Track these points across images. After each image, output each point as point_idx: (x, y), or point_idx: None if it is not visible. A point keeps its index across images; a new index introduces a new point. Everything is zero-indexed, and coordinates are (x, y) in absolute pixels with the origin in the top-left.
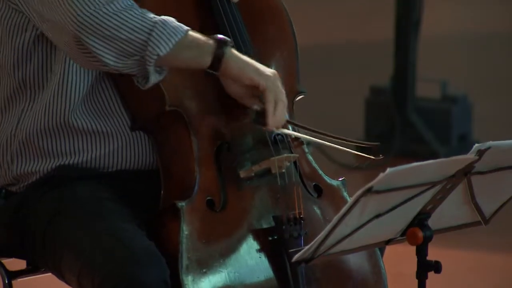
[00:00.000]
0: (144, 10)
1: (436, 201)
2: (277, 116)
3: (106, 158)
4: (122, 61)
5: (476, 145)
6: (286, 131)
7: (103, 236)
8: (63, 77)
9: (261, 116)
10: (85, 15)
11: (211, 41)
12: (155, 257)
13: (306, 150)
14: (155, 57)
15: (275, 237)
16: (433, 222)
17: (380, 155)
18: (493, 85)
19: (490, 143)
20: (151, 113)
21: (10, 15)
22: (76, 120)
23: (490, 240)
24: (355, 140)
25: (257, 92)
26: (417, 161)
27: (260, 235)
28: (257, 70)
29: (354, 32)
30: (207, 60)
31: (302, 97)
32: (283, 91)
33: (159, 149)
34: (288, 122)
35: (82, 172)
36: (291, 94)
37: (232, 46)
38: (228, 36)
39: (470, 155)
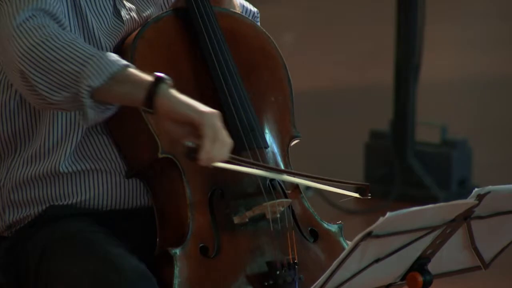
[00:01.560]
0: (87, 45)
1: (436, 246)
2: (212, 153)
3: (99, 199)
4: (59, 95)
5: (476, 189)
6: (225, 165)
7: (94, 262)
8: (52, 128)
9: (194, 151)
10: (27, 47)
11: (148, 78)
12: (145, 277)
13: (302, 195)
14: (88, 88)
15: (270, 283)
16: (433, 266)
17: (369, 195)
18: (493, 130)
19: (490, 187)
20: (145, 160)
21: None
22: (67, 167)
23: (488, 285)
24: (342, 180)
25: (196, 131)
26: (416, 205)
27: (254, 281)
28: (191, 106)
29: (354, 76)
30: (140, 97)
31: (302, 141)
32: (223, 131)
33: (153, 194)
34: (233, 158)
35: (73, 211)
36: (286, 138)
37: (170, 85)
38: (220, 83)
39: (470, 200)
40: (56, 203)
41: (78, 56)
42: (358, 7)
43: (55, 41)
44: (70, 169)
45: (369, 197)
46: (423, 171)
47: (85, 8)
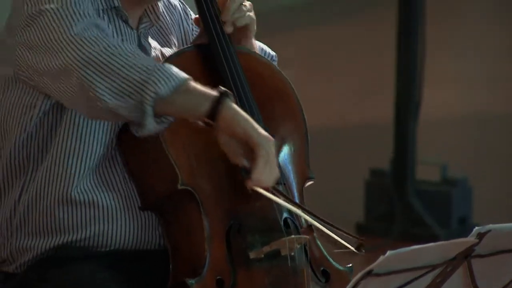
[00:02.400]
0: (148, 57)
1: (436, 284)
2: (263, 175)
3: (108, 235)
4: (121, 101)
5: (476, 228)
6: (269, 195)
7: None
8: (64, 151)
9: (246, 172)
10: (90, 53)
11: (212, 92)
12: None
13: (315, 234)
14: (154, 95)
15: None
16: None
17: (363, 251)
18: (493, 168)
19: (490, 226)
20: (162, 192)
21: (19, 96)
22: (79, 194)
23: None
24: (343, 229)
25: (251, 151)
26: (417, 243)
27: None
28: (253, 125)
29: (354, 113)
30: (205, 108)
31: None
32: (275, 158)
33: (168, 228)
34: (274, 189)
35: (81, 251)
36: (302, 179)
37: (233, 100)
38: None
39: (470, 238)
40: (64, 239)
41: (143, 65)
42: (358, 45)
43: (117, 49)
44: (82, 197)
45: (363, 253)
46: (424, 209)
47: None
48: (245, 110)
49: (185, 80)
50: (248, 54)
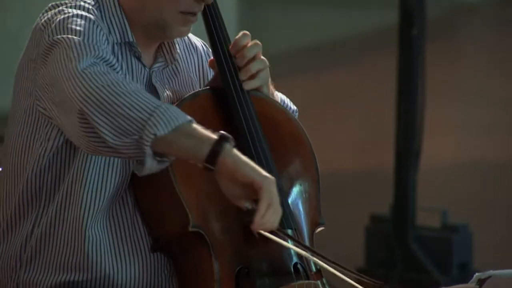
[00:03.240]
0: (152, 96)
1: None
2: (266, 218)
3: (117, 277)
4: (120, 139)
5: (477, 274)
6: (275, 238)
7: None
8: (81, 185)
9: (250, 215)
10: (92, 89)
11: (212, 135)
12: None
13: (325, 281)
14: (152, 136)
15: None
16: None
17: None
18: (493, 214)
19: (491, 272)
20: (173, 233)
21: (36, 127)
22: (90, 234)
23: None
24: (360, 274)
25: (252, 194)
26: None
27: None
28: (254, 169)
29: (354, 160)
30: (204, 152)
31: None
32: (278, 198)
33: (177, 270)
34: (280, 231)
35: None
36: (313, 225)
37: (234, 145)
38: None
39: (471, 284)
40: (71, 277)
41: (144, 105)
42: (358, 92)
43: (121, 87)
44: (92, 237)
45: None
46: (424, 255)
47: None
48: (258, 156)
49: (186, 122)
50: (263, 99)
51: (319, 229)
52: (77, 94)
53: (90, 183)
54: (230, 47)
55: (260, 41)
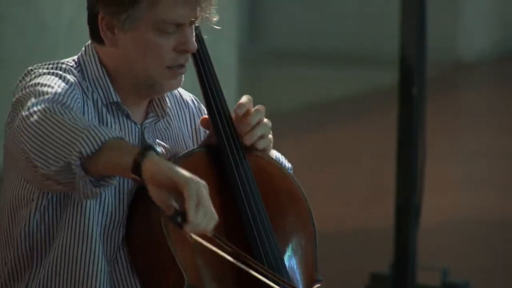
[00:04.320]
0: (86, 120)
1: None
2: (198, 219)
3: None
4: (53, 166)
5: None
6: (205, 243)
7: None
8: (70, 245)
9: (180, 215)
10: (29, 125)
11: (136, 147)
12: None
13: None
14: (78, 154)
15: None
16: None
17: None
18: (494, 272)
19: None
20: None
21: (19, 189)
22: None
23: None
24: (285, 280)
25: (182, 199)
26: None
27: None
28: (177, 171)
29: (354, 218)
30: (127, 162)
31: None
32: (208, 200)
33: None
34: (215, 237)
35: None
36: (309, 282)
37: (160, 154)
38: (249, 223)
39: None
40: None
41: (75, 128)
42: (358, 149)
43: (54, 117)
44: None
45: None
46: None
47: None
48: (253, 214)
49: (113, 138)
50: (258, 156)
51: (316, 286)
52: (19, 134)
53: (76, 247)
54: (234, 112)
55: (261, 100)
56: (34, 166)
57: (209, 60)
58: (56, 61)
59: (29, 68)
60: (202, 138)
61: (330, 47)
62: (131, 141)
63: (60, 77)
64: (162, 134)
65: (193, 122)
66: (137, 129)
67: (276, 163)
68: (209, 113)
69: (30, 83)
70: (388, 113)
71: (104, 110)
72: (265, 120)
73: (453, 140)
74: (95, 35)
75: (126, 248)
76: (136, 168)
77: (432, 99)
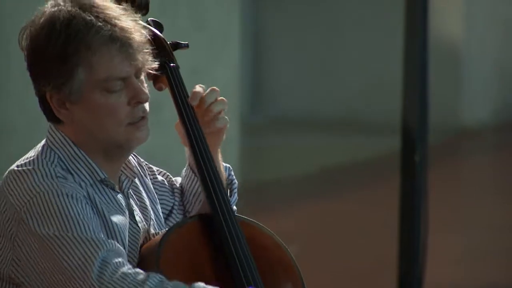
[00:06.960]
0: (177, 283)
1: None
2: None
3: None
4: None
5: None
6: None
7: None
8: None
9: None
10: (107, 281)
11: None
12: None
13: None
14: None
15: None
16: None
17: None
18: None
19: None
20: None
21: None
22: None
23: None
24: None
25: None
26: None
27: None
28: None
29: None
30: None
31: None
32: None
33: None
34: None
35: None
36: None
37: None
38: None
39: None
40: None
41: None
42: (359, 220)
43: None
44: None
45: None
46: None
47: (102, 211)
48: (247, 280)
49: None
50: (251, 225)
51: None
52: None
53: None
54: (189, 101)
55: (264, 168)
56: None
57: (186, 96)
58: (30, 165)
59: (11, 168)
60: (155, 194)
61: (332, 114)
62: (121, 211)
63: (67, 196)
64: (138, 194)
65: (142, 179)
66: (122, 197)
67: (268, 232)
68: (195, 163)
69: (49, 217)
70: (390, 182)
71: (91, 191)
72: (221, 97)
73: (455, 210)
74: (51, 116)
75: None
76: None
77: (433, 167)
